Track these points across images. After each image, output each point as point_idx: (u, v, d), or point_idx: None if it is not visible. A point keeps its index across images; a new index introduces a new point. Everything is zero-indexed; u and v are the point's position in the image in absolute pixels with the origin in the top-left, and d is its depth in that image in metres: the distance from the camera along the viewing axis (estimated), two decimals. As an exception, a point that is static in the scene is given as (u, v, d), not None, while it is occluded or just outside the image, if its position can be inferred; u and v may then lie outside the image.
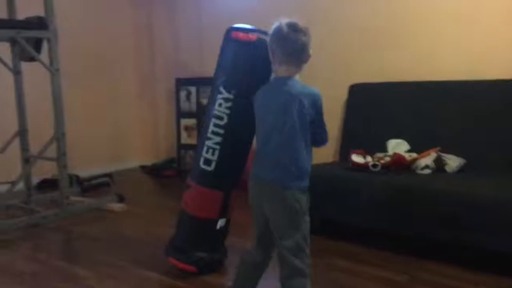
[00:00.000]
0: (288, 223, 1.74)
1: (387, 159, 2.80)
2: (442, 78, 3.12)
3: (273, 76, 1.84)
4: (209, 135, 2.22)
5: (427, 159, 2.76)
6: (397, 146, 2.98)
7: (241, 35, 2.17)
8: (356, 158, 2.88)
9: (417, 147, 2.92)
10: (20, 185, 3.45)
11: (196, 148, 2.35)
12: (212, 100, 2.24)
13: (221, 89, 2.19)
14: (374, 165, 2.74)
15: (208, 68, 4.59)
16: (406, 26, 3.35)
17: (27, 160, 3.53)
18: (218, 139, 2.20)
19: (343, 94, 3.52)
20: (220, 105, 2.19)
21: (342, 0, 3.62)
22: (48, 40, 3.23)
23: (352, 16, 3.59)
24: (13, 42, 3.33)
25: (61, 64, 3.30)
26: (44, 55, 3.29)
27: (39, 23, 3.20)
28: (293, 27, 1.79)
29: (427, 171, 2.71)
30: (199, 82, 4.52)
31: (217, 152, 2.21)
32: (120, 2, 4.93)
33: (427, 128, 3.03)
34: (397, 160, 2.75)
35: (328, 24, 3.71)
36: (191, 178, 2.33)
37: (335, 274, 2.31)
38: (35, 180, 3.85)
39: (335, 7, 3.66)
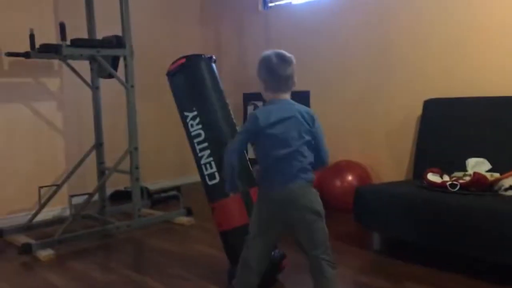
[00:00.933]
0: None
1: (466, 178, 2.64)
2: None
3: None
4: (199, 154, 2.42)
5: (511, 179, 2.57)
6: (477, 165, 2.80)
7: (172, 66, 2.52)
8: (432, 177, 2.75)
9: (499, 166, 2.73)
10: (95, 196, 3.59)
11: (200, 177, 2.47)
12: (186, 128, 2.48)
13: (185, 113, 2.46)
14: (453, 185, 2.59)
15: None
16: (486, 39, 3.17)
17: (102, 173, 3.68)
18: (207, 152, 2.40)
19: (417, 109, 3.38)
20: (192, 126, 2.44)
21: (421, 10, 3.49)
22: (125, 58, 3.37)
23: (428, 27, 3.46)
24: (92, 59, 3.51)
25: (135, 80, 3.43)
26: (119, 72, 3.43)
27: (117, 42, 3.35)
28: (281, 58, 1.96)
29: (511, 192, 2.52)
30: (266, 97, 4.52)
31: (213, 163, 2.38)
32: (190, 20, 5.07)
33: (510, 146, 2.83)
34: (478, 180, 2.58)
35: (402, 35, 3.60)
36: (210, 202, 2.43)
37: (410, 300, 2.19)
38: (107, 191, 4.00)
39: (413, 20, 3.54)
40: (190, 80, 2.48)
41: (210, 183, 2.40)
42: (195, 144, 2.43)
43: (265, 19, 4.63)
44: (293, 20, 4.37)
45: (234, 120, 2.54)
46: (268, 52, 1.99)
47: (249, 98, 4.65)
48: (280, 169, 1.88)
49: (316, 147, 1.93)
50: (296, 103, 1.99)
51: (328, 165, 1.99)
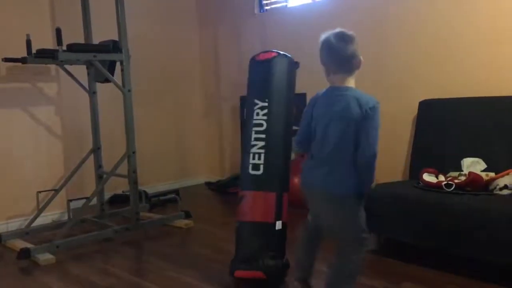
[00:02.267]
0: None
1: (462, 178, 2.66)
2: (521, 92, 2.94)
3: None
4: (252, 142, 2.46)
5: (506, 179, 2.59)
6: (473, 165, 2.82)
7: (261, 56, 2.61)
8: (428, 177, 2.77)
9: (494, 166, 2.75)
10: (93, 200, 3.61)
11: (242, 162, 2.53)
12: (250, 114, 2.53)
13: (256, 100, 2.50)
14: (448, 185, 2.61)
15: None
16: (482, 38, 3.20)
17: (100, 177, 3.69)
18: (261, 143, 2.44)
19: (413, 110, 3.41)
20: (257, 114, 2.48)
21: (415, 12, 3.52)
22: (121, 63, 3.39)
23: (423, 27, 3.48)
24: (89, 64, 3.53)
25: (132, 84, 3.44)
26: (116, 76, 3.45)
27: (113, 47, 3.37)
28: (340, 37, 1.94)
29: (506, 192, 2.54)
30: (263, 99, 4.54)
31: (262, 156, 2.42)
32: (187, 24, 5.09)
33: (505, 145, 2.85)
34: (473, 179, 2.60)
35: (399, 37, 3.62)
36: (242, 188, 2.47)
37: (407, 299, 2.21)
38: (106, 195, 4.01)
39: (408, 19, 3.56)
40: (275, 73, 2.52)
41: (251, 172, 2.43)
42: (253, 132, 2.48)
43: (261, 22, 4.65)
44: (289, 23, 4.39)
45: (294, 127, 2.53)
46: (327, 32, 2.01)
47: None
48: None
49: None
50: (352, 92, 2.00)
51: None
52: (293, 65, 2.60)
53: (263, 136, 2.44)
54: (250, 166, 2.43)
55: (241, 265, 2.35)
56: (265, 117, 2.46)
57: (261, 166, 2.41)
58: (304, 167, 2.03)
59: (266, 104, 2.47)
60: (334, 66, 1.96)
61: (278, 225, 2.36)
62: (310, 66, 4.18)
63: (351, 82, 1.99)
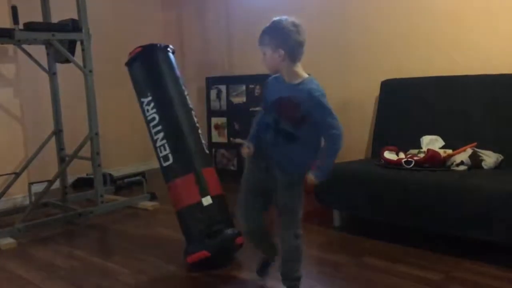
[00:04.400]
0: None
1: (421, 155, 2.74)
2: (478, 72, 3.03)
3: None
4: (154, 138, 2.55)
5: (463, 155, 2.68)
6: (431, 143, 2.91)
7: (130, 56, 2.67)
8: (389, 154, 2.84)
9: (452, 143, 2.84)
10: (56, 184, 3.54)
11: (157, 158, 2.58)
12: (143, 113, 2.61)
13: (142, 99, 2.60)
14: (408, 162, 2.68)
15: (238, 67, 4.64)
16: (440, 20, 3.27)
17: (62, 159, 3.63)
18: (161, 135, 2.52)
19: (375, 90, 3.47)
20: (147, 110, 2.56)
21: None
22: (82, 42, 3.31)
23: (384, 9, 3.53)
24: (48, 44, 3.43)
25: (94, 65, 3.37)
26: (77, 57, 3.37)
27: (73, 26, 3.28)
28: (295, 25, 1.97)
29: (462, 168, 2.64)
30: (229, 80, 4.53)
31: (166, 146, 2.50)
32: (151, 4, 5.00)
33: (463, 123, 2.95)
34: (432, 156, 2.68)
35: (359, 19, 3.66)
36: (166, 182, 2.54)
37: (368, 273, 2.28)
38: (70, 178, 3.95)
39: (369, 2, 3.60)
40: (146, 68, 2.61)
41: (164, 164, 2.50)
42: (151, 128, 2.56)
43: (227, 3, 4.60)
44: (255, 3, 4.37)
45: (191, 106, 2.63)
46: (281, 18, 2.02)
47: (212, 82, 4.64)
48: None
49: None
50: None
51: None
52: (164, 51, 2.65)
53: (159, 128, 2.52)
54: (161, 159, 2.51)
55: (187, 252, 2.39)
56: (154, 110, 2.53)
57: (169, 155, 2.48)
58: None
59: (150, 98, 2.55)
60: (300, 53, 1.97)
61: (205, 201, 2.40)
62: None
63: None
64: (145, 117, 2.59)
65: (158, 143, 2.52)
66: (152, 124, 2.54)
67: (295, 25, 1.94)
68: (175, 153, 2.48)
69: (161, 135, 2.52)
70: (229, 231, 2.39)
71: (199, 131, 2.62)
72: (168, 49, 2.69)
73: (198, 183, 2.42)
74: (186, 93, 2.65)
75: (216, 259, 2.36)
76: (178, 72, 2.66)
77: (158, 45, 2.66)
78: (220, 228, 2.38)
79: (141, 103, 2.60)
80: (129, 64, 2.67)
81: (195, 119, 2.64)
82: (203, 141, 2.59)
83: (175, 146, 2.49)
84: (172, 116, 2.54)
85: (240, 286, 2.23)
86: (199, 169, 2.46)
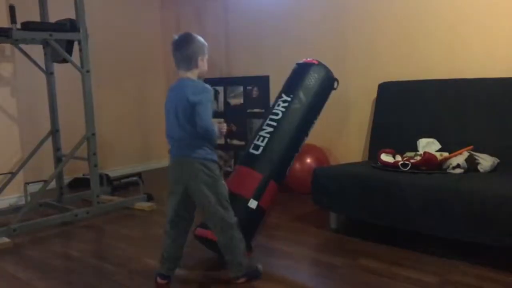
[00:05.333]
0: None
1: (417, 158, 2.75)
2: (476, 75, 3.04)
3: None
4: (263, 126, 2.61)
5: (459, 158, 2.69)
6: (428, 145, 2.92)
7: (308, 60, 2.81)
8: (386, 157, 2.85)
9: (449, 146, 2.86)
10: (52, 184, 3.53)
11: (248, 142, 2.69)
12: (272, 105, 2.71)
13: (282, 94, 2.70)
14: (404, 165, 2.69)
15: (235, 68, 4.65)
16: (438, 23, 3.28)
17: (59, 160, 3.62)
18: (270, 129, 2.58)
19: (373, 93, 3.48)
20: (278, 105, 2.66)
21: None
22: (79, 42, 3.30)
23: (382, 13, 3.54)
24: (46, 44, 3.42)
25: (92, 65, 3.37)
26: (75, 57, 3.37)
27: (71, 26, 3.27)
28: (181, 40, 2.18)
29: (458, 171, 2.64)
30: (227, 82, 4.54)
31: (266, 140, 2.54)
32: (149, 3, 5.00)
33: (459, 127, 2.96)
34: (428, 159, 2.69)
35: (358, 21, 3.67)
36: (238, 163, 2.61)
37: (364, 275, 2.28)
38: (66, 179, 3.94)
39: (369, 5, 3.61)
40: (308, 76, 2.72)
41: (251, 151, 2.55)
42: (268, 118, 2.63)
43: (225, 3, 4.61)
44: (253, 4, 4.38)
45: (308, 134, 2.72)
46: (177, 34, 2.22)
47: (210, 83, 4.62)
48: None
49: None
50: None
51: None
52: (328, 78, 2.76)
53: (274, 124, 2.58)
54: (252, 145, 2.56)
55: (203, 225, 2.35)
56: (283, 109, 2.61)
57: (261, 148, 2.52)
58: None
59: (289, 98, 2.64)
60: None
61: (252, 203, 2.39)
62: (273, 48, 4.22)
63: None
64: (272, 107, 2.69)
65: (262, 133, 2.58)
66: (272, 116, 2.61)
67: None
68: (266, 151, 2.52)
69: (270, 129, 2.57)
70: (248, 244, 2.40)
71: (295, 154, 2.65)
72: (335, 81, 2.81)
73: (260, 186, 2.44)
74: (313, 124, 2.72)
75: (215, 249, 2.35)
76: (323, 103, 2.78)
77: (331, 71, 2.80)
78: (246, 235, 2.36)
79: (279, 97, 2.71)
80: (302, 65, 2.78)
81: (301, 146, 2.68)
82: (291, 163, 2.63)
83: (270, 147, 2.53)
84: (290, 126, 2.60)
85: (236, 286, 2.23)
86: (268, 178, 2.47)
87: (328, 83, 2.76)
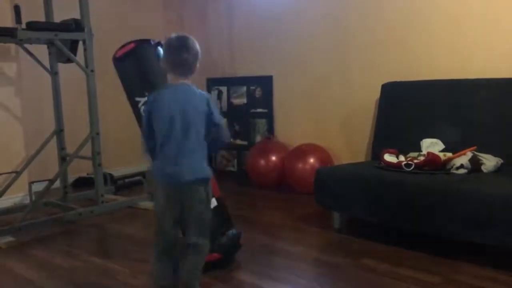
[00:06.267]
0: None
1: (421, 158, 2.75)
2: (480, 76, 3.04)
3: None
4: None
5: (463, 159, 2.69)
6: (431, 146, 2.92)
7: (120, 52, 2.53)
8: (389, 157, 2.85)
9: (452, 146, 2.85)
10: (57, 183, 3.55)
11: None
12: (136, 113, 2.54)
13: (137, 99, 2.51)
14: (407, 165, 2.69)
15: (239, 68, 4.65)
16: (442, 22, 3.28)
17: (63, 159, 3.63)
18: None
19: (376, 93, 3.48)
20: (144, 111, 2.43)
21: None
22: (84, 42, 3.32)
23: (385, 12, 3.54)
24: (50, 43, 3.44)
25: (96, 65, 3.38)
26: (79, 57, 3.38)
27: (75, 26, 3.29)
28: (180, 43, 1.97)
29: (462, 171, 2.64)
30: (230, 81, 4.55)
31: None
32: (152, 4, 5.00)
33: (463, 127, 2.95)
34: (431, 159, 2.69)
35: (360, 21, 3.67)
36: None
37: (365, 275, 2.29)
38: (70, 178, 3.95)
39: (372, 4, 3.61)
40: (141, 66, 2.50)
41: None
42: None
43: (228, 4, 4.61)
44: (256, 5, 4.38)
45: None
46: (172, 35, 2.02)
47: (213, 82, 4.66)
48: None
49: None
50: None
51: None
52: (156, 47, 2.53)
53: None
54: None
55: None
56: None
57: None
58: None
59: (145, 98, 2.43)
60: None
61: (212, 202, 2.34)
62: (276, 48, 4.23)
63: None
64: (140, 119, 2.43)
65: None
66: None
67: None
68: None
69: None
70: (233, 231, 2.40)
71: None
72: (160, 45, 2.54)
73: None
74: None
75: (225, 260, 2.36)
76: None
77: (151, 40, 2.57)
78: (225, 230, 2.37)
79: (135, 103, 2.50)
80: (119, 60, 2.51)
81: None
82: None
83: None
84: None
85: (239, 286, 2.24)
86: None
87: (158, 55, 2.42)
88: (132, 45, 2.51)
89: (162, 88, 1.97)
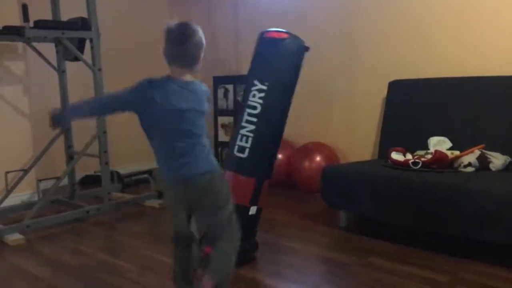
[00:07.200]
0: None
1: (428, 156, 2.74)
2: (487, 73, 3.02)
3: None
4: (243, 124, 2.37)
5: (470, 157, 2.68)
6: (439, 144, 2.91)
7: (274, 34, 2.42)
8: (396, 155, 2.84)
9: (460, 144, 2.84)
10: (64, 181, 3.56)
11: (230, 140, 2.47)
12: (246, 94, 2.43)
13: (255, 81, 2.39)
14: (415, 163, 2.68)
15: (245, 66, 4.62)
16: (449, 20, 3.26)
17: (71, 157, 3.65)
18: (251, 127, 2.36)
19: (382, 91, 3.47)
20: (254, 96, 2.38)
21: (381, -5, 3.56)
22: (91, 40, 3.33)
23: (392, 10, 3.53)
24: (58, 42, 3.45)
25: (102, 63, 3.39)
26: (86, 55, 3.39)
27: (82, 24, 3.30)
28: (181, 32, 1.75)
29: (470, 169, 2.63)
30: (236, 80, 4.54)
31: (250, 140, 2.35)
32: (157, 2, 5.01)
33: (470, 125, 2.94)
34: (439, 157, 2.68)
35: (367, 20, 3.66)
36: (224, 168, 2.38)
37: (373, 273, 2.28)
38: (78, 176, 3.97)
39: (379, 2, 3.59)
40: (281, 57, 2.39)
41: (236, 154, 2.36)
42: (245, 113, 2.37)
43: (234, 2, 4.61)
44: (262, 3, 4.37)
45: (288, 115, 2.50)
46: (173, 22, 1.79)
47: (219, 81, 4.66)
48: None
49: None
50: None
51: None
52: (302, 50, 2.44)
53: (254, 119, 2.35)
54: (236, 147, 2.37)
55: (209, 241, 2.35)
56: (260, 101, 2.35)
57: (247, 150, 2.34)
58: None
59: (265, 87, 2.36)
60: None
61: (252, 210, 2.36)
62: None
63: None
64: (247, 98, 2.39)
65: (243, 131, 2.36)
66: (249, 111, 2.36)
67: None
68: (254, 152, 2.35)
69: (252, 127, 2.35)
70: (254, 240, 2.44)
71: (280, 144, 2.49)
72: (307, 49, 2.47)
73: (256, 190, 2.35)
74: (290, 104, 2.48)
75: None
76: (297, 80, 2.47)
77: (302, 40, 2.46)
78: (247, 238, 2.35)
79: (251, 84, 2.39)
80: (268, 39, 2.40)
81: (283, 132, 2.49)
82: (277, 154, 2.50)
83: (258, 146, 2.36)
84: (272, 119, 2.39)
85: (245, 284, 2.24)
86: (262, 178, 2.38)
87: (300, 56, 2.44)
88: (287, 35, 2.40)
89: (166, 79, 1.78)
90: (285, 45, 2.39)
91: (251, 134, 2.35)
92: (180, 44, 1.74)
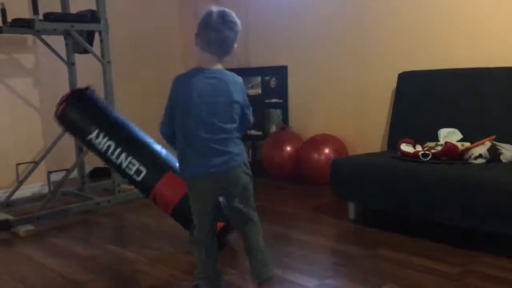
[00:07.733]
0: None
1: (438, 148, 2.72)
2: (498, 64, 2.98)
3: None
4: (118, 163, 2.57)
5: (481, 148, 2.65)
6: (449, 135, 2.88)
7: (60, 108, 2.85)
8: (406, 147, 2.82)
9: (470, 136, 2.81)
10: (74, 173, 3.59)
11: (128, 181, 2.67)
12: (96, 150, 2.69)
13: (88, 137, 2.68)
14: (425, 155, 2.66)
15: (254, 59, 4.64)
16: (459, 11, 3.22)
17: (80, 149, 3.67)
18: (123, 155, 2.56)
19: (392, 82, 3.44)
20: (99, 144, 2.63)
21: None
22: (100, 33, 3.33)
23: (401, 2, 3.49)
24: (67, 35, 3.46)
25: (112, 56, 3.39)
26: (95, 48, 3.40)
27: (92, 17, 3.31)
28: (222, 17, 1.72)
29: (480, 161, 2.61)
30: (244, 72, 4.52)
31: (134, 160, 2.54)
32: (167, -5, 5.01)
33: (481, 116, 2.91)
34: (449, 149, 2.66)
35: (377, 11, 3.63)
36: (148, 195, 2.55)
37: (382, 265, 2.27)
38: (87, 168, 3.99)
39: (383, -7, 3.57)
40: (80, 109, 2.74)
41: (139, 179, 2.53)
42: (110, 157, 2.59)
43: (243, -7, 4.60)
44: (271, -6, 4.36)
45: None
46: (212, 8, 1.77)
47: (228, 73, 4.65)
48: None
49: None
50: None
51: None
52: (87, 93, 2.81)
53: (119, 150, 2.57)
54: (134, 176, 2.53)
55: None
56: (105, 138, 2.60)
57: (141, 167, 2.52)
58: None
59: (96, 131, 2.63)
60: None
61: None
62: (291, 38, 4.20)
63: None
64: (100, 151, 2.63)
65: (124, 164, 2.55)
66: (110, 152, 2.59)
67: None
68: (146, 162, 2.53)
69: (123, 155, 2.56)
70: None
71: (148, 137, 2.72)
72: (88, 90, 2.84)
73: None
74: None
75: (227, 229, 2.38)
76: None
77: (83, 90, 2.85)
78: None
79: (89, 141, 2.66)
80: (61, 115, 2.77)
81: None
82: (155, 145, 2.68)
83: (142, 156, 2.54)
84: (127, 133, 2.64)
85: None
86: (173, 166, 2.49)
87: (84, 98, 2.83)
88: (64, 103, 2.78)
89: (195, 72, 1.75)
90: (74, 104, 2.79)
91: (129, 159, 2.55)
92: (222, 30, 1.68)
